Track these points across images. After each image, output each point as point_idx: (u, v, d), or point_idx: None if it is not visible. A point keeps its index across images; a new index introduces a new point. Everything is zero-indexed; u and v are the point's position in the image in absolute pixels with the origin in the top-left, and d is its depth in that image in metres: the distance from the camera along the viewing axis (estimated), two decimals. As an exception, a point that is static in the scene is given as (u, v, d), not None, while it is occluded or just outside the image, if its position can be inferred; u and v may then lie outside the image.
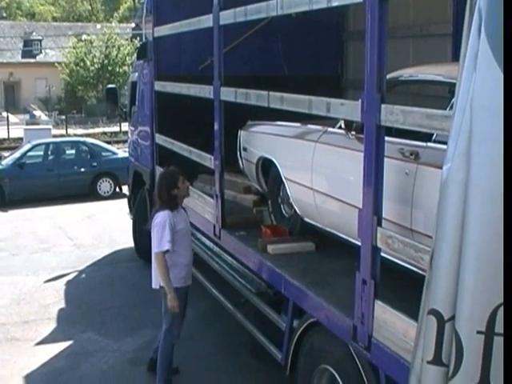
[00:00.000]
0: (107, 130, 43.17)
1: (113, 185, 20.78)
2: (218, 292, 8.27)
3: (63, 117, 49.82)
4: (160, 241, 6.93)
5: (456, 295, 3.04)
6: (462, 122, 3.03)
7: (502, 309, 2.94)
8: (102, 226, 16.21)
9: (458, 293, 3.02)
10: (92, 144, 22.29)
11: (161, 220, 6.97)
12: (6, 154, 26.09)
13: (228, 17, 7.01)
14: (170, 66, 10.10)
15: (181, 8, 9.52)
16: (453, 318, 3.07)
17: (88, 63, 56.20)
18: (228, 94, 7.11)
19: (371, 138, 4.42)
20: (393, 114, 4.18)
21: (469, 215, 2.96)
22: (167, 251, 6.93)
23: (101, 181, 20.76)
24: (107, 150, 21.85)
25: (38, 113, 58.29)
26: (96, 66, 56.13)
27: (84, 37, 58.63)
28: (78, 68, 56.90)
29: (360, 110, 4.52)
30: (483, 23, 2.99)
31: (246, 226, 7.57)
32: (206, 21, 7.62)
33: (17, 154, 21.17)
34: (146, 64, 11.20)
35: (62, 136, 34.50)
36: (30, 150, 21.02)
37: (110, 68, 56.07)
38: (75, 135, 36.87)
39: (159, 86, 9.83)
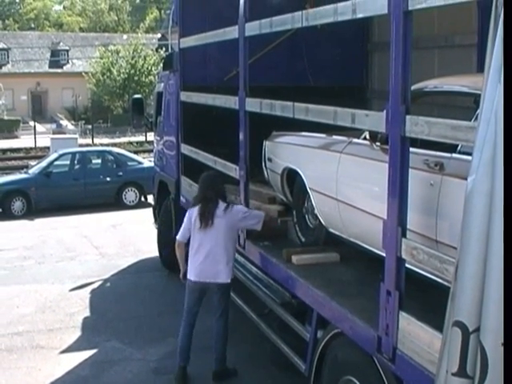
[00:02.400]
0: (133, 139, 43.44)
1: (138, 194, 20.89)
2: (242, 302, 8.28)
3: (89, 126, 50.18)
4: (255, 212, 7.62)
5: (481, 307, 3.03)
6: (486, 133, 3.03)
7: None
8: (127, 236, 16.29)
9: (483, 304, 3.02)
10: (118, 153, 22.45)
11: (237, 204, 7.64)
12: (32, 162, 26.31)
13: (253, 28, 7.03)
14: (195, 77, 10.15)
15: (206, 19, 9.58)
16: (478, 329, 3.06)
17: (114, 73, 56.59)
18: (253, 104, 7.13)
19: (396, 149, 4.42)
20: (417, 126, 4.17)
21: (493, 226, 2.95)
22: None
23: (126, 190, 20.89)
24: (133, 160, 21.96)
25: (64, 122, 58.84)
26: (122, 75, 56.51)
27: (110, 47, 59.07)
28: (105, 78, 57.33)
29: (385, 121, 4.52)
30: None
31: (271, 237, 7.57)
32: (231, 32, 7.64)
33: (43, 163, 21.34)
34: (171, 74, 11.27)
35: (87, 145, 34.76)
36: (56, 159, 21.22)
37: (136, 78, 56.43)
38: (101, 144, 37.11)
39: (185, 96, 9.89)
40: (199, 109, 9.29)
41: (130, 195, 20.89)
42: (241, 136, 7.50)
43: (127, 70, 56.47)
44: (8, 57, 65.45)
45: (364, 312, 5.15)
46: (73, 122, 59.42)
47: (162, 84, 12.39)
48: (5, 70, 64.08)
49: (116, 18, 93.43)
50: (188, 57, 10.12)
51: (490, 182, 2.98)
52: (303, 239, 7.22)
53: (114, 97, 58.49)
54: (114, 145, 36.22)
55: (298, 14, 5.92)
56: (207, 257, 7.48)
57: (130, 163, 21.53)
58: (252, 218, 7.46)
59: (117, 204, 20.55)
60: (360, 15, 4.93)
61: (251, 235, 7.57)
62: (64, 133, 49.20)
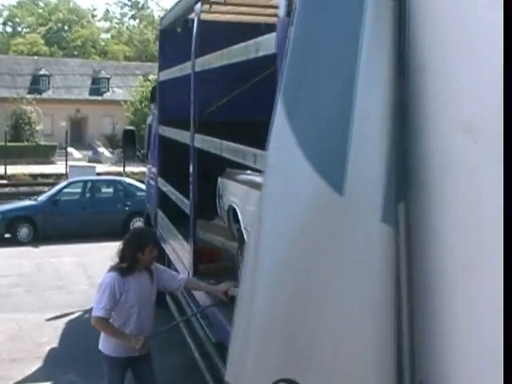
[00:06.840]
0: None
1: (145, 225, 20.72)
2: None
3: (126, 153, 50.42)
4: (97, 304, 6.46)
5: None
6: None
7: None
8: (126, 266, 16.12)
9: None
10: (128, 184, 22.44)
11: (106, 282, 6.49)
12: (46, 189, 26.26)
13: (201, 64, 7.07)
14: (172, 110, 10.08)
15: (180, 54, 9.56)
16: None
17: (153, 102, 56.98)
18: (199, 140, 7.15)
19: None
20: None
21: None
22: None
23: (134, 220, 20.81)
24: (142, 190, 21.81)
25: (101, 149, 59.36)
26: (160, 105, 56.86)
27: (151, 76, 59.64)
28: (143, 106, 57.77)
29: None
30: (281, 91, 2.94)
31: (222, 275, 7.41)
32: (187, 67, 7.69)
33: (52, 191, 21.42)
34: (155, 107, 11.28)
35: (119, 174, 34.83)
36: (65, 187, 21.31)
37: (173, 107, 56.71)
38: (132, 173, 37.18)
39: (160, 129, 9.92)
40: (173, 143, 9.23)
41: (138, 226, 20.78)
42: (190, 171, 7.47)
43: (166, 99, 56.86)
44: (49, 83, 66.40)
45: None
46: (110, 150, 59.90)
47: (151, 116, 12.43)
48: (45, 95, 64.96)
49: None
50: (165, 90, 10.11)
51: None
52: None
53: (151, 125, 58.93)
54: (144, 173, 36.10)
55: (224, 51, 5.96)
56: None
57: (138, 194, 21.30)
58: None
59: (124, 234, 20.34)
60: (261, 53, 4.94)
61: (198, 272, 7.44)
62: (100, 160, 49.54)
